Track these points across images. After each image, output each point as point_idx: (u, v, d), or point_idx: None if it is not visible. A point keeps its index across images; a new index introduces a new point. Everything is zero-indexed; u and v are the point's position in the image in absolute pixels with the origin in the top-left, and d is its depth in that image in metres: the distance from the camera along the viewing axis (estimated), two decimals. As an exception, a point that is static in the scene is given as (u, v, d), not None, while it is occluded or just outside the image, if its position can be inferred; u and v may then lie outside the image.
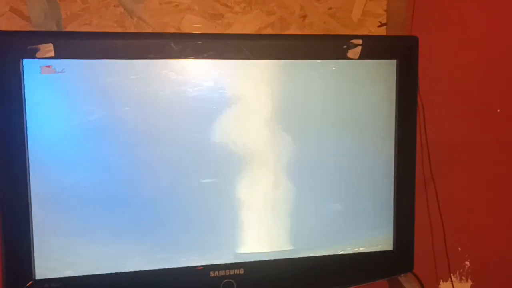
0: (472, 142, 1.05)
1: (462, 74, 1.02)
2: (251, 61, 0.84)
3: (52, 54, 0.76)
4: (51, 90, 0.78)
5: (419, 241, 0.96)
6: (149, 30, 0.89)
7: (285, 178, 0.88)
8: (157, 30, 0.90)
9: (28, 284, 0.80)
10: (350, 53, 0.87)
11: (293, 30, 0.95)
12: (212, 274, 0.86)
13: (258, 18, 0.93)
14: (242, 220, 0.87)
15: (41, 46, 0.76)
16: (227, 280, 0.87)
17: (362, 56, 0.88)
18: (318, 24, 0.96)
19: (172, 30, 0.90)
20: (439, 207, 1.02)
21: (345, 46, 0.87)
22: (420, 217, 0.99)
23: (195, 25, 0.91)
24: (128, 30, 0.89)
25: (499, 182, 1.08)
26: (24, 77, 0.76)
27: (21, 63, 0.76)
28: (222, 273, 0.87)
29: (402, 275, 0.97)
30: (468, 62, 1.02)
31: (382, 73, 0.90)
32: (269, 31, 0.94)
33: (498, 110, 1.05)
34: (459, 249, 1.09)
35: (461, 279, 1.11)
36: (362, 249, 0.93)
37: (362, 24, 0.98)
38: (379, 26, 0.99)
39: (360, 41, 0.87)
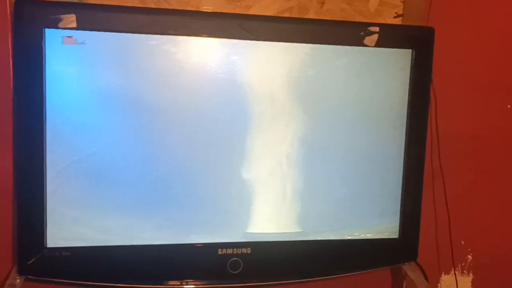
0: (482, 137, 1.05)
1: (476, 68, 1.03)
2: (269, 43, 0.84)
3: (74, 24, 0.77)
4: (71, 60, 0.79)
5: (423, 232, 0.97)
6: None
7: (296, 161, 0.89)
8: (177, 8, 0.90)
9: (40, 252, 0.81)
10: (366, 40, 0.88)
11: (310, 16, 0.96)
12: (220, 252, 0.87)
13: (276, 2, 0.94)
14: (252, 201, 0.88)
15: (64, 16, 0.77)
16: (234, 258, 0.88)
17: (378, 44, 0.88)
18: (335, 12, 0.97)
19: (191, 10, 0.91)
20: (446, 199, 1.02)
21: (362, 33, 0.88)
22: (426, 208, 1.00)
23: (214, 5, 0.92)
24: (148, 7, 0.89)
25: (507, 179, 1.08)
26: (46, 47, 0.77)
27: (43, 33, 0.77)
28: (229, 251, 0.88)
29: (406, 263, 0.98)
30: (483, 56, 1.03)
31: (397, 62, 0.91)
32: (287, 15, 0.95)
33: (509, 106, 1.05)
34: (462, 242, 1.10)
35: (462, 273, 1.12)
36: (367, 236, 0.94)
37: (378, 13, 0.99)
38: (395, 17, 1.00)
39: (377, 29, 0.88)
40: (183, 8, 0.91)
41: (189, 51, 0.83)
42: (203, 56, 0.84)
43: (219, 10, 0.92)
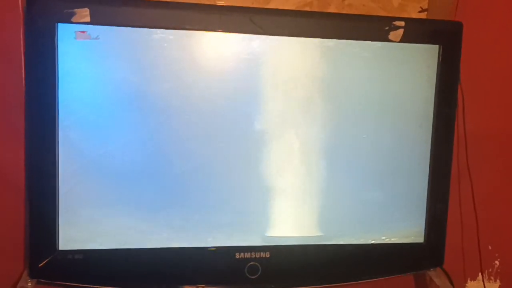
0: (512, 136, 1.01)
1: (506, 65, 0.98)
2: (291, 38, 0.81)
3: (88, 19, 0.74)
4: (85, 56, 0.76)
5: (448, 236, 0.93)
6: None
7: (318, 162, 0.86)
8: (193, 2, 0.87)
9: (52, 255, 0.78)
10: (391, 35, 0.84)
11: (331, 11, 0.92)
12: (237, 255, 0.84)
13: (296, -5, 0.91)
14: (272, 203, 0.85)
15: (77, 10, 0.74)
16: (252, 263, 0.85)
17: (403, 39, 0.85)
18: (358, 6, 0.94)
19: (208, 4, 0.88)
20: (474, 201, 0.98)
21: (386, 28, 0.84)
22: (451, 211, 0.95)
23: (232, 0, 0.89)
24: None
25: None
26: (58, 42, 0.75)
27: (56, 27, 0.74)
28: (248, 255, 0.84)
29: (431, 269, 0.94)
30: (512, 52, 0.99)
31: (423, 58, 0.87)
32: (307, 10, 0.91)
33: (540, 105, 1.01)
34: (490, 247, 1.05)
35: (489, 279, 1.07)
36: (392, 240, 0.90)
37: (402, 8, 0.95)
38: (419, 12, 0.96)
39: (402, 23, 0.84)
40: (200, 2, 0.87)
41: (207, 46, 0.80)
42: (222, 52, 0.81)
43: (237, 4, 0.89)
